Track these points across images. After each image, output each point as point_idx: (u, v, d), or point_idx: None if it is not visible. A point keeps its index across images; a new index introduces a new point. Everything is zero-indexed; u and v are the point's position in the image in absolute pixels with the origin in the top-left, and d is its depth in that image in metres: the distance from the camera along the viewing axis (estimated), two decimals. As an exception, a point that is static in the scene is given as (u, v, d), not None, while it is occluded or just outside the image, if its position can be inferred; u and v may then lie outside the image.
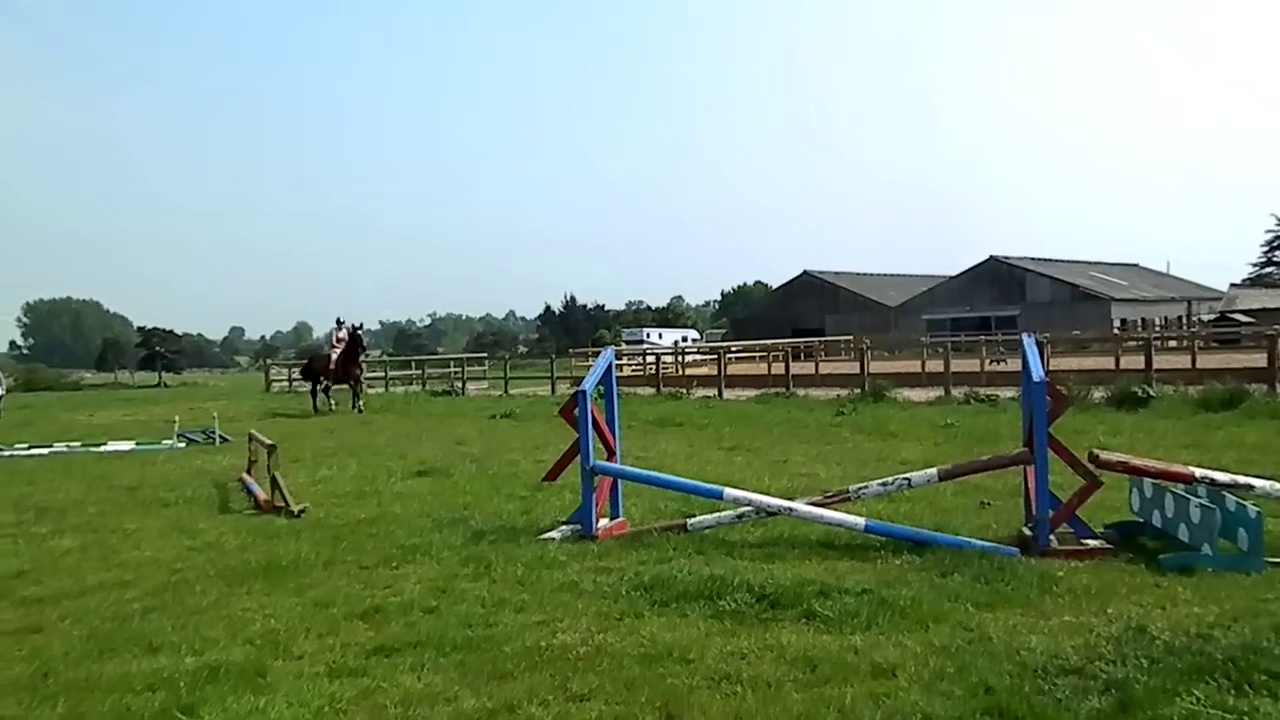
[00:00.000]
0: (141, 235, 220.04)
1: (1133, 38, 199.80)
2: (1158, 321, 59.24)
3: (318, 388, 25.67)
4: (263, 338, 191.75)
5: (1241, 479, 6.52)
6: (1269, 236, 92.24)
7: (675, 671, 4.47)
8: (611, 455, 8.03)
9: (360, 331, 25.57)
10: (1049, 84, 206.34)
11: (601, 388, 8.22)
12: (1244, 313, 53.32)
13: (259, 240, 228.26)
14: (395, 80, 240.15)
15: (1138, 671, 4.12)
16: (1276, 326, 19.17)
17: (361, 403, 24.96)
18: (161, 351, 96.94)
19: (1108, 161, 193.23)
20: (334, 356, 25.14)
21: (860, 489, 7.24)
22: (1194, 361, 23.15)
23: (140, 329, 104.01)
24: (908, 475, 7.29)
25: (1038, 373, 6.75)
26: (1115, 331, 50.81)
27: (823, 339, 45.70)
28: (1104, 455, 6.68)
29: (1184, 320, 61.02)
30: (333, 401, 25.53)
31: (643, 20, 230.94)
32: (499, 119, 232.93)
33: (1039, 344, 22.16)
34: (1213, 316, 55.38)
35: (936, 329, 56.71)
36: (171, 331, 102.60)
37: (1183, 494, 6.48)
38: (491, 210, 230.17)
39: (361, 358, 26.05)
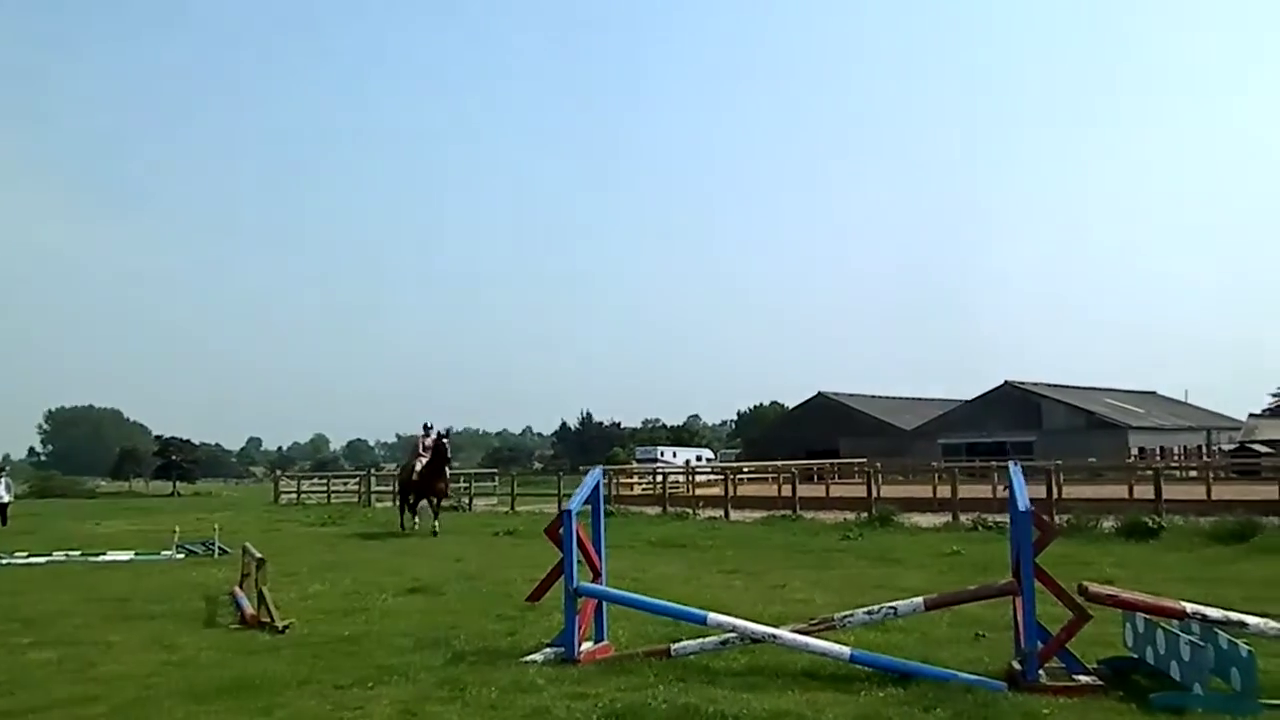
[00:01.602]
0: (162, 347, 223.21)
1: (1143, 159, 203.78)
2: (1176, 450, 58.63)
3: (406, 504, 23.10)
4: (280, 449, 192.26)
5: (1234, 615, 6.36)
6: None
7: (637, 806, 4.33)
8: (597, 576, 7.94)
9: (447, 440, 22.36)
10: (1067, 210, 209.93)
11: (589, 507, 8.18)
12: (1264, 443, 52.81)
13: (278, 354, 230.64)
14: (410, 188, 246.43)
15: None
16: (1253, 460, 18.88)
17: (436, 523, 21.85)
18: (177, 461, 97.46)
19: (1124, 289, 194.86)
20: (418, 467, 22.36)
21: (845, 617, 7.11)
22: (1209, 492, 22.83)
23: (158, 438, 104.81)
24: (894, 604, 7.15)
25: (1023, 502, 6.68)
26: (1131, 459, 50.37)
27: (834, 461, 45.35)
28: (1093, 588, 6.55)
29: (1203, 450, 60.38)
30: (415, 520, 22.72)
31: (665, 142, 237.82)
32: (515, 231, 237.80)
33: (1049, 472, 22.07)
34: (1232, 446, 54.83)
35: (952, 454, 56.26)
36: (188, 441, 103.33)
37: (1174, 630, 6.32)
38: (509, 325, 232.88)
39: (448, 470, 23.15)
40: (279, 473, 60.06)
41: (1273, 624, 6.42)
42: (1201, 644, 5.97)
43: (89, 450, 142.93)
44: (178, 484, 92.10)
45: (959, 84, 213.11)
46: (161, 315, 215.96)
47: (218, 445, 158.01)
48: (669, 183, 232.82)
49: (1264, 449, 48.94)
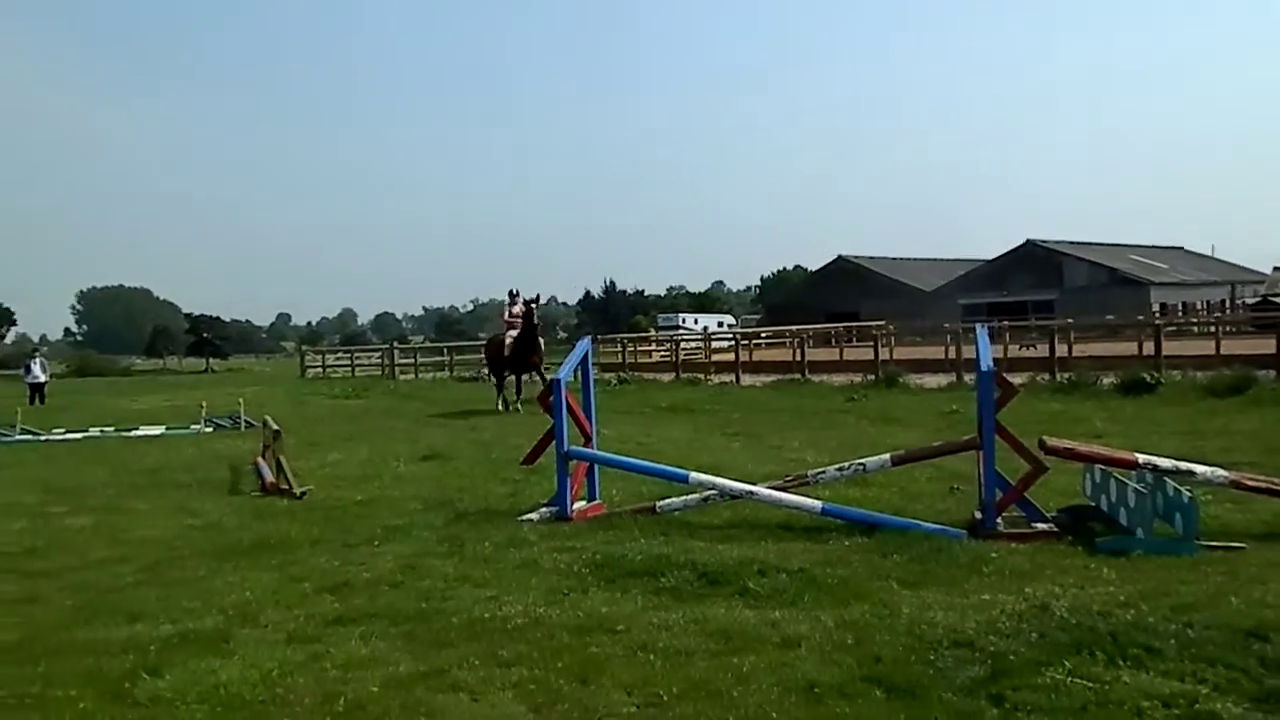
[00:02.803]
0: (190, 224, 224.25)
1: (1173, 23, 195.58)
2: (1199, 305, 58.29)
3: (500, 380, 20.66)
4: (309, 323, 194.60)
5: (1184, 465, 6.70)
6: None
7: (601, 642, 4.81)
8: (588, 440, 8.38)
9: (536, 306, 19.81)
10: (1089, 68, 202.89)
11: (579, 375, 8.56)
12: (1287, 296, 52.34)
13: (305, 229, 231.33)
14: (439, 68, 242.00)
15: (1023, 645, 4.39)
16: (1271, 313, 18.91)
17: (520, 402, 19.55)
18: (209, 338, 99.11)
19: (1151, 143, 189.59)
20: (508, 340, 19.92)
21: (818, 474, 7.53)
22: (1218, 347, 22.94)
23: (188, 316, 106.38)
24: (863, 460, 7.56)
25: (985, 363, 6.99)
26: (1154, 315, 50.23)
27: (848, 325, 45.56)
28: (1051, 442, 6.90)
29: (1226, 304, 59.94)
30: (518, 400, 19.87)
31: (689, 13, 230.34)
32: (543, 108, 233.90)
33: (1053, 330, 22.27)
34: (1255, 300, 54.42)
35: (972, 313, 56.24)
36: (218, 318, 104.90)
37: (1124, 480, 6.69)
38: (537, 196, 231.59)
39: (541, 341, 20.32)
40: (304, 348, 61.18)
41: (1220, 472, 6.77)
42: (1145, 491, 6.33)
43: (122, 329, 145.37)
44: (210, 360, 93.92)
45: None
46: (190, 191, 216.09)
47: (248, 321, 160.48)
48: (703, 52, 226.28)
49: (1287, 302, 48.55)
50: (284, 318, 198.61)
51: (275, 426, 10.84)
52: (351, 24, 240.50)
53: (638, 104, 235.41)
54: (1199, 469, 6.70)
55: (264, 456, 11.98)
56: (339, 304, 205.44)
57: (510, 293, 20.53)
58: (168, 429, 18.12)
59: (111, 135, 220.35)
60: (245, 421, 18.10)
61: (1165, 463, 6.68)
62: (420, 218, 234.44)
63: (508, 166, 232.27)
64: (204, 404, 19.96)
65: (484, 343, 26.66)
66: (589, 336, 9.82)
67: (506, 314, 20.56)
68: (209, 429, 17.87)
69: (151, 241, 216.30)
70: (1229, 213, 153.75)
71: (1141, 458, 6.71)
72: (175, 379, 55.21)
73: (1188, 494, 6.23)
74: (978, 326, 7.63)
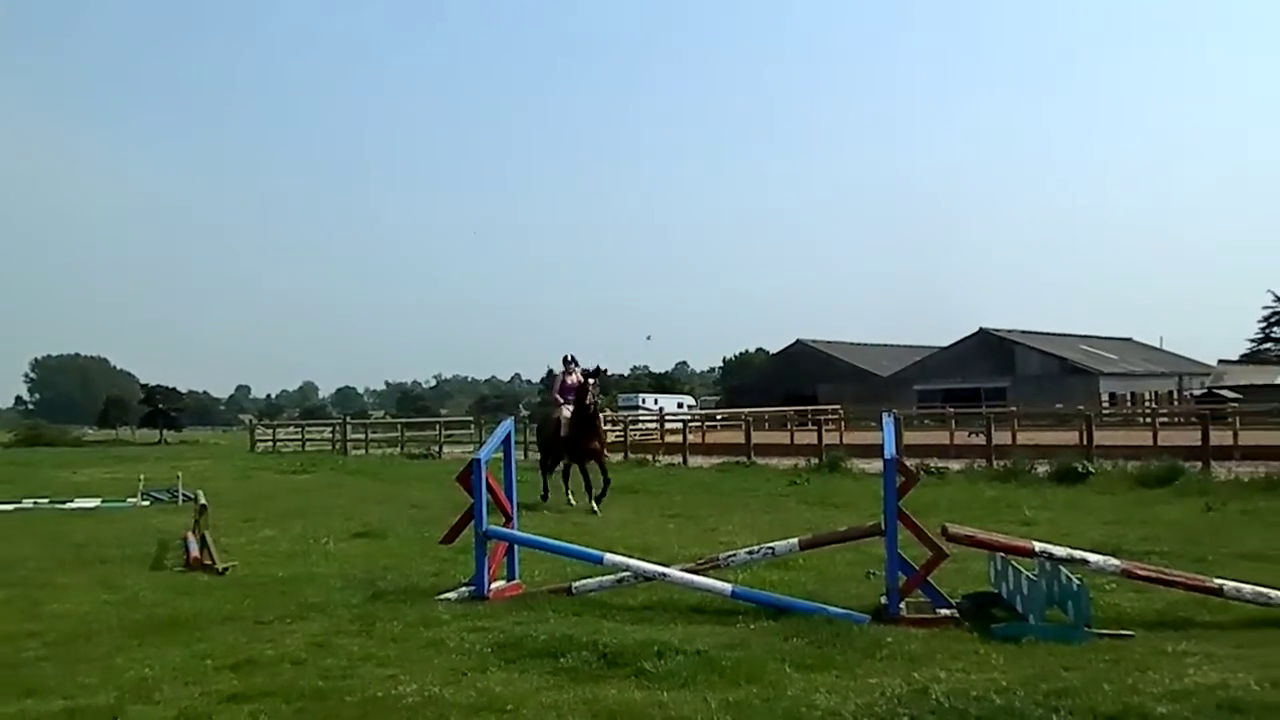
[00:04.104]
0: (150, 293, 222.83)
1: (1119, 119, 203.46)
2: (1147, 395, 59.56)
3: (549, 467, 17.12)
4: (268, 396, 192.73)
5: (1078, 554, 6.92)
6: (1266, 312, 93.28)
7: (490, 720, 4.88)
8: (509, 520, 8.48)
9: (595, 382, 16.07)
10: (1043, 161, 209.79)
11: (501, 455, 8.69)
12: (1231, 388, 53.67)
13: (267, 300, 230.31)
14: (405, 144, 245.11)
15: (894, 727, 4.52)
16: (1218, 406, 19.52)
17: (596, 503, 15.32)
18: (164, 409, 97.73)
19: (1102, 238, 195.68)
20: (564, 417, 16.22)
21: (729, 556, 7.68)
22: (1155, 438, 23.52)
23: (144, 386, 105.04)
24: (772, 544, 7.73)
25: (889, 450, 7.22)
26: (1103, 405, 51.24)
27: (803, 408, 46.02)
28: (952, 529, 7.11)
29: (1173, 395, 61.30)
30: (569, 494, 16.42)
31: (663, 99, 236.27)
32: (513, 186, 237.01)
33: (988, 419, 22.70)
34: (1201, 391, 55.74)
35: (928, 400, 57.11)
36: (175, 389, 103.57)
37: (1021, 567, 6.89)
38: (500, 273, 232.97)
39: (601, 416, 17.57)
40: (253, 421, 60.62)
41: (1112, 561, 7.00)
42: (1037, 579, 6.54)
43: (78, 398, 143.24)
44: (165, 432, 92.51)
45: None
46: (150, 259, 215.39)
47: (206, 393, 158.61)
48: (678, 133, 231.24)
49: (1230, 394, 49.78)
50: (243, 390, 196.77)
51: (203, 501, 10.82)
52: (317, 99, 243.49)
53: (610, 182, 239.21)
54: (1092, 558, 6.92)
55: (193, 531, 11.92)
56: (300, 377, 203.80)
57: (565, 360, 16.96)
58: (103, 501, 17.90)
59: (76, 202, 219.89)
60: (183, 495, 17.92)
61: (1060, 551, 6.90)
62: (385, 291, 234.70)
63: (475, 242, 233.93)
64: (142, 477, 19.74)
65: (445, 419, 25.74)
66: (511, 417, 9.97)
67: (559, 385, 16.96)
68: (145, 502, 17.67)
69: (110, 311, 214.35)
70: (1177, 306, 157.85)
71: (1038, 546, 6.93)
72: (125, 450, 54.21)
73: (1078, 582, 6.44)
74: (883, 415, 7.89)
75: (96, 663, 6.29)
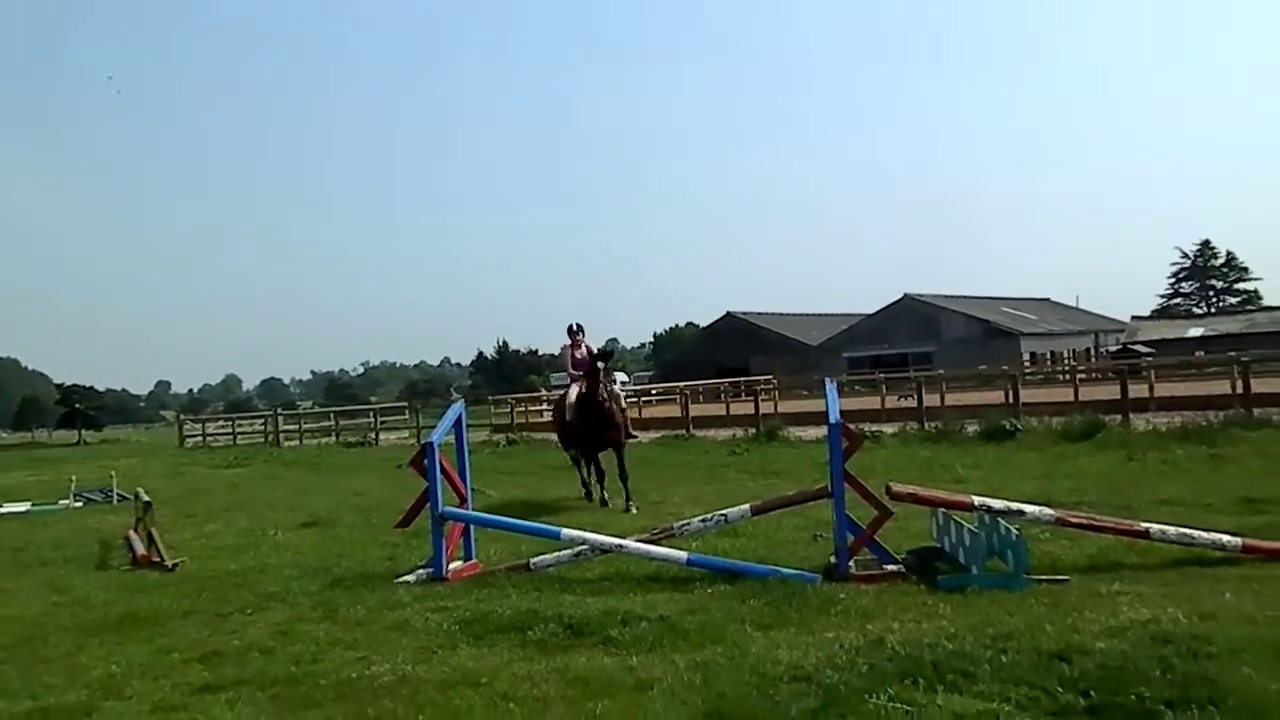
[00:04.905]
0: (61, 290, 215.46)
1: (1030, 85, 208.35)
2: (1066, 353, 61.48)
3: (576, 460, 14.54)
4: (190, 391, 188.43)
5: (1014, 505, 7.26)
6: (1174, 269, 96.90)
7: (466, 695, 5.01)
8: (463, 501, 8.57)
9: (606, 362, 13.18)
10: (960, 129, 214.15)
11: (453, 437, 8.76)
12: (1145, 343, 55.73)
13: (186, 291, 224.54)
14: (323, 126, 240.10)
15: (854, 676, 4.76)
16: (1133, 361, 20.35)
17: (632, 502, 12.70)
18: (81, 409, 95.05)
19: (1023, 196, 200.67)
20: (571, 398, 13.58)
21: (683, 525, 7.89)
22: (1076, 394, 24.37)
23: (60, 386, 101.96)
24: (724, 511, 7.95)
25: (834, 415, 7.48)
26: (1025, 364, 52.80)
27: (738, 379, 46.58)
28: (895, 488, 7.39)
29: (1090, 352, 63.37)
30: (602, 486, 13.40)
31: (592, 64, 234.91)
32: (435, 167, 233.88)
33: (919, 382, 23.36)
34: (1116, 348, 57.74)
35: (857, 366, 58.20)
36: (92, 388, 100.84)
37: (962, 522, 7.22)
38: (427, 256, 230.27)
39: (619, 391, 14.82)
40: (182, 416, 59.34)
41: (1046, 511, 7.36)
42: (977, 531, 6.86)
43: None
44: (84, 432, 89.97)
45: None
46: (61, 257, 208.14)
47: (124, 390, 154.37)
48: (613, 116, 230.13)
49: (1144, 349, 51.70)
50: (164, 385, 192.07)
51: (146, 498, 10.69)
52: (225, 88, 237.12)
53: (541, 163, 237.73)
54: (1028, 509, 7.27)
55: (136, 530, 11.74)
56: (222, 370, 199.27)
57: (570, 330, 14.06)
58: (34, 505, 17.47)
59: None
60: (118, 495, 17.58)
61: (998, 504, 7.23)
62: (306, 279, 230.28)
63: (398, 225, 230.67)
64: (74, 478, 19.29)
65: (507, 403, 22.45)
66: (462, 400, 10.03)
67: (569, 360, 14.30)
68: (79, 504, 17.29)
69: (20, 310, 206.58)
70: (1091, 265, 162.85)
71: (977, 500, 7.25)
72: (44, 453, 52.72)
73: (1016, 532, 6.78)
74: (827, 381, 8.15)
75: (58, 663, 6.26)
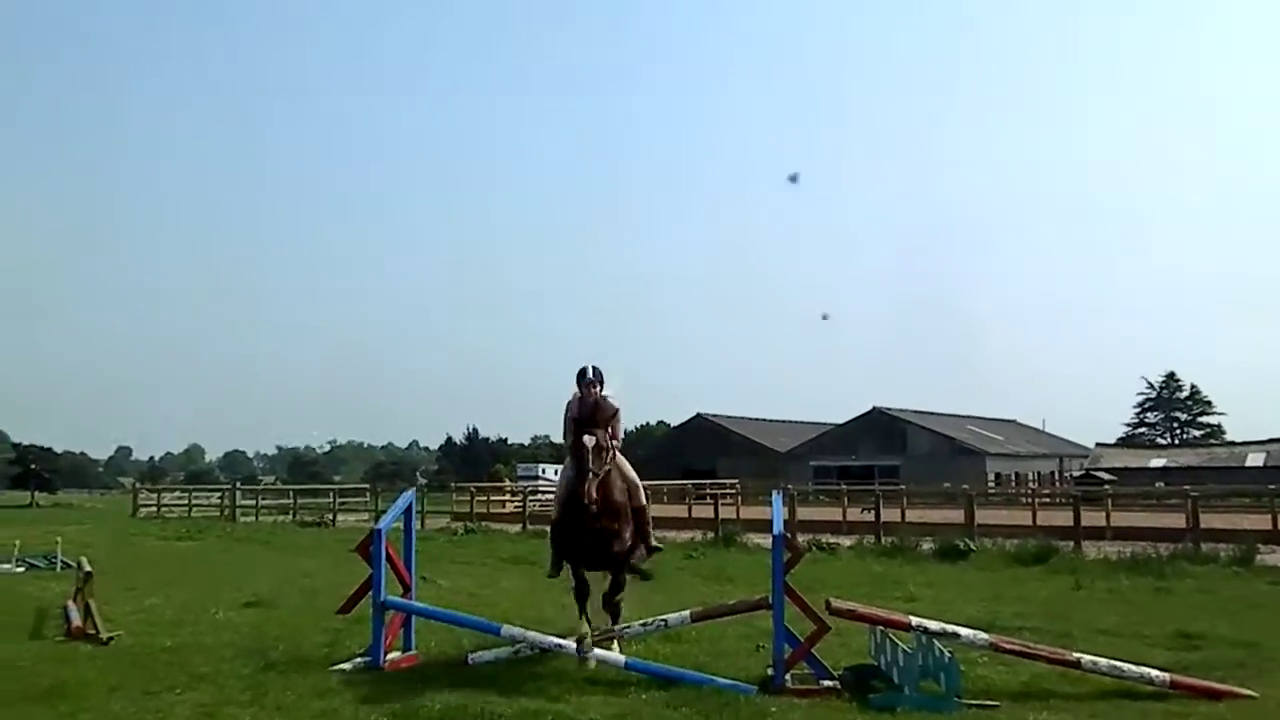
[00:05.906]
0: (23, 350, 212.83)
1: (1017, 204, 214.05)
2: (1030, 475, 61.97)
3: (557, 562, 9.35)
4: (151, 459, 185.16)
5: (950, 628, 7.36)
6: (1140, 399, 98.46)
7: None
8: (407, 591, 8.54)
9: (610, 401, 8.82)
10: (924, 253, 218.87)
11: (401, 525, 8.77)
12: (1107, 470, 56.37)
13: (150, 360, 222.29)
14: (293, 203, 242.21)
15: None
16: (1094, 488, 20.62)
17: (616, 624, 8.79)
18: (36, 470, 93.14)
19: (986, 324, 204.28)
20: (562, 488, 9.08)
21: (624, 628, 7.91)
22: (1034, 518, 24.59)
23: (16, 445, 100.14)
24: (665, 616, 7.99)
25: (777, 526, 7.61)
26: (990, 484, 53.24)
27: (702, 482, 46.55)
28: (836, 604, 7.49)
29: (1055, 475, 63.92)
30: (585, 617, 8.33)
31: (573, 168, 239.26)
32: (409, 244, 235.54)
33: (877, 497, 23.52)
34: (1079, 473, 58.32)
35: (823, 476, 58.33)
36: (49, 449, 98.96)
37: (897, 640, 7.29)
38: (395, 340, 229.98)
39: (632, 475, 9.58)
40: (136, 484, 58.38)
41: (981, 635, 7.46)
42: (912, 652, 6.93)
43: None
44: (36, 494, 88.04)
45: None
46: (27, 314, 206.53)
47: (83, 454, 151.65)
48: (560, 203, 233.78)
49: (1107, 476, 52.28)
50: (124, 451, 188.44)
51: (88, 568, 10.55)
52: (188, 149, 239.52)
53: (519, 248, 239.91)
54: (964, 632, 7.36)
55: (74, 599, 11.53)
56: (186, 439, 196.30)
57: (581, 374, 8.89)
58: (-27, 567, 17.09)
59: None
60: (62, 562, 17.23)
61: (935, 625, 7.32)
62: (275, 352, 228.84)
63: (371, 304, 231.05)
64: (17, 542, 18.90)
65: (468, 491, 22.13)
66: (414, 489, 10.07)
67: (568, 426, 8.86)
68: (20, 568, 16.93)
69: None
70: (1059, 389, 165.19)
71: (914, 620, 7.35)
72: (-7, 513, 51.53)
73: (949, 655, 6.85)
74: (773, 493, 8.28)
75: (-28, 734, 6.15)
